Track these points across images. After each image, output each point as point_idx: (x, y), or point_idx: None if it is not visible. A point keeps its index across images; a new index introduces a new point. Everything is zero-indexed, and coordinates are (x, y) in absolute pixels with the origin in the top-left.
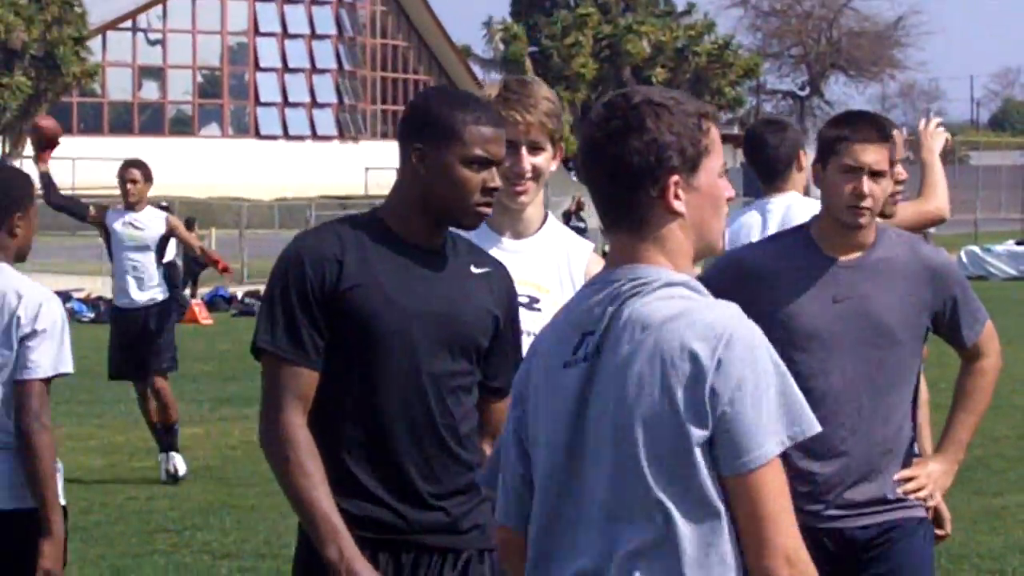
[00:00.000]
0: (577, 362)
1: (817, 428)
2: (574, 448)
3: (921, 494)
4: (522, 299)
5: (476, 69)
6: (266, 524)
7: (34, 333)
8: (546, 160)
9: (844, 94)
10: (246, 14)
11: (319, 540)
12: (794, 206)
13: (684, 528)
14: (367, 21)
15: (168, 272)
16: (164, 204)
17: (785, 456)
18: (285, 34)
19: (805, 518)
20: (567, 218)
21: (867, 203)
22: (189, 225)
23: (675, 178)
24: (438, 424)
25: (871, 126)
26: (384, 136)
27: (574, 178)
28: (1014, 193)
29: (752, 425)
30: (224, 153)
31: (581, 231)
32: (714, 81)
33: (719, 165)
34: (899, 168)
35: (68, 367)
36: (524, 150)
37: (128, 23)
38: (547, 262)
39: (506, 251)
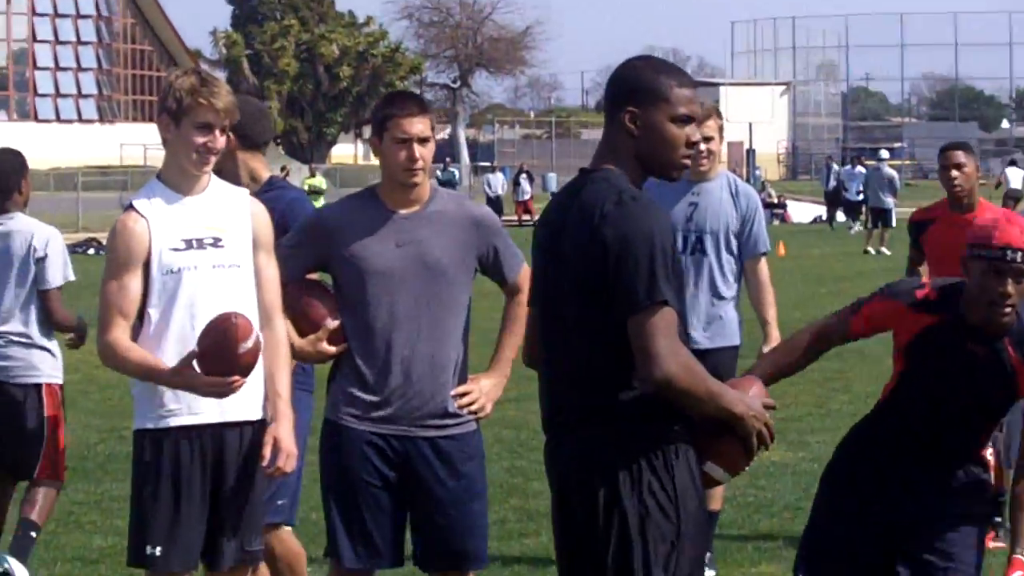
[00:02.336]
0: None
1: None
2: None
3: (474, 407)
4: (208, 240)
5: (205, 67)
6: None
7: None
8: (224, 139)
9: (487, 86)
10: (26, 25)
11: (731, 409)
12: None
13: None
14: (120, 31)
15: None
16: None
17: (356, 369)
18: (57, 41)
19: (373, 425)
20: None
21: (419, 165)
22: None
23: None
24: None
25: (412, 102)
26: (135, 120)
27: (282, 151)
28: None
29: None
30: (10, 133)
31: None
32: (388, 76)
33: None
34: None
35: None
36: (218, 131)
37: None
38: (221, 210)
39: (187, 206)
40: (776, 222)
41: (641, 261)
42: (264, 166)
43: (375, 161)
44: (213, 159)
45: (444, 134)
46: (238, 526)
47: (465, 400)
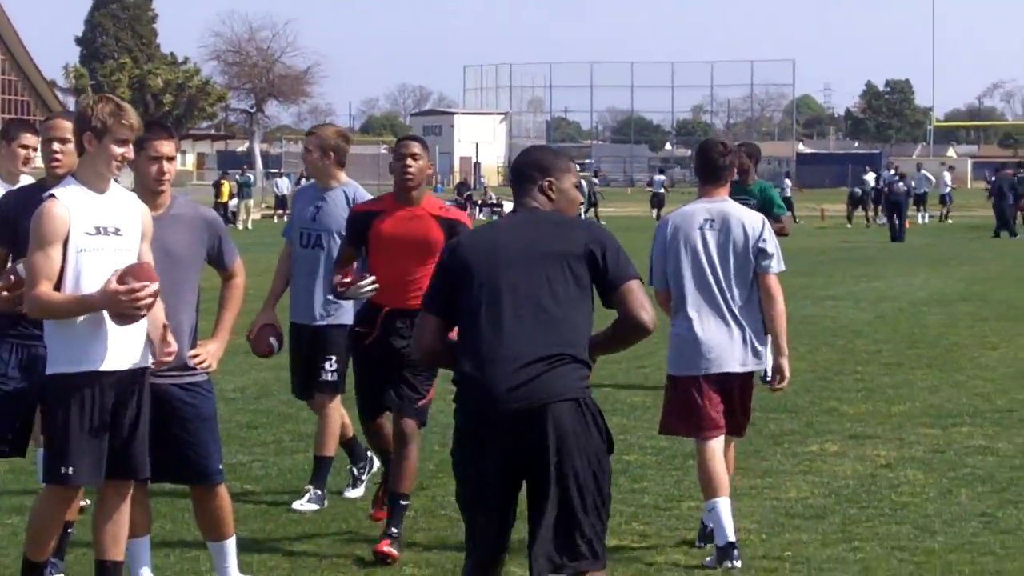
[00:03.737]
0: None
1: None
2: None
3: (203, 364)
4: (111, 229)
5: (59, 94)
6: None
7: None
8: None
9: (277, 111)
10: None
11: None
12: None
13: None
14: None
15: None
16: None
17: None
18: None
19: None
20: None
21: (166, 178)
22: None
23: None
24: None
25: (163, 129)
26: None
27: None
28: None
29: None
30: None
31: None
32: (200, 103)
33: None
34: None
35: None
36: (131, 144)
37: None
38: (121, 208)
39: (98, 201)
40: (495, 216)
41: (620, 251)
42: None
43: (188, 166)
44: (124, 165)
45: (244, 147)
46: (143, 447)
47: (197, 360)
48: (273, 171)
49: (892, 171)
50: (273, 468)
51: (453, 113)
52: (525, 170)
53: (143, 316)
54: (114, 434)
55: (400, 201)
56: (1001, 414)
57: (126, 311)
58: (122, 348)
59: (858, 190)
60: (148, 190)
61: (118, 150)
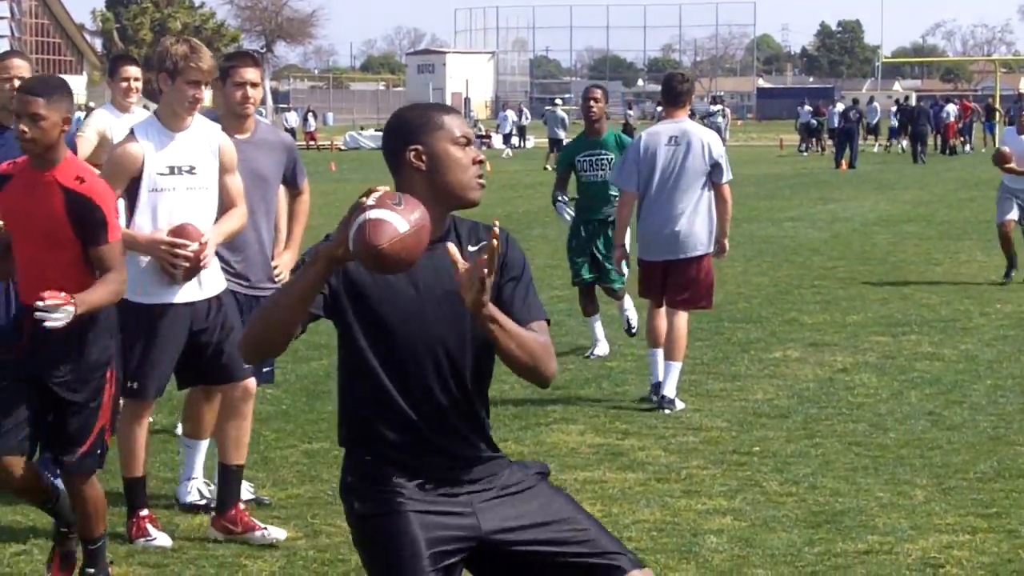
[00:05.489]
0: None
1: None
2: None
3: (282, 276)
4: (185, 168)
5: (88, 36)
6: None
7: None
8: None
9: (285, 52)
10: None
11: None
12: None
13: None
14: (27, 9)
15: None
16: None
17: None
18: None
19: (231, 282)
20: None
21: (251, 102)
22: None
23: None
24: None
25: (248, 57)
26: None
27: (142, 96)
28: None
29: None
30: None
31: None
32: (215, 45)
33: None
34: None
35: None
36: (203, 85)
37: None
38: (198, 144)
39: (174, 140)
40: (484, 148)
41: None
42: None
43: (207, 102)
44: (199, 106)
45: None
46: (234, 354)
47: (276, 272)
48: (282, 106)
49: (840, 105)
50: (292, 375)
51: (445, 52)
52: (387, 144)
53: (179, 272)
54: (199, 352)
55: (36, 167)
56: (946, 323)
57: (161, 260)
58: (186, 285)
59: (813, 121)
60: (234, 114)
61: (190, 91)
